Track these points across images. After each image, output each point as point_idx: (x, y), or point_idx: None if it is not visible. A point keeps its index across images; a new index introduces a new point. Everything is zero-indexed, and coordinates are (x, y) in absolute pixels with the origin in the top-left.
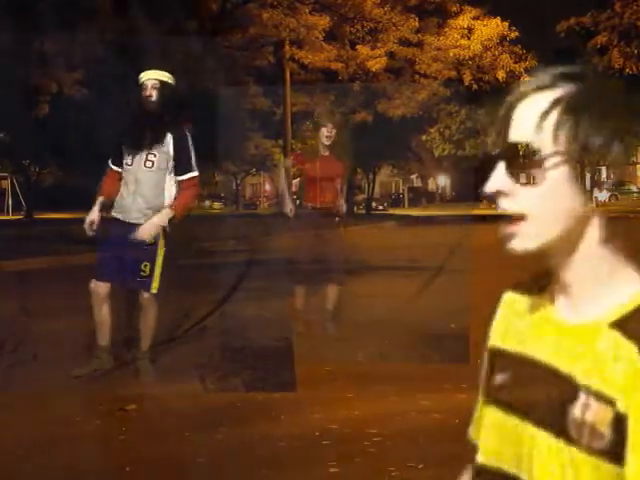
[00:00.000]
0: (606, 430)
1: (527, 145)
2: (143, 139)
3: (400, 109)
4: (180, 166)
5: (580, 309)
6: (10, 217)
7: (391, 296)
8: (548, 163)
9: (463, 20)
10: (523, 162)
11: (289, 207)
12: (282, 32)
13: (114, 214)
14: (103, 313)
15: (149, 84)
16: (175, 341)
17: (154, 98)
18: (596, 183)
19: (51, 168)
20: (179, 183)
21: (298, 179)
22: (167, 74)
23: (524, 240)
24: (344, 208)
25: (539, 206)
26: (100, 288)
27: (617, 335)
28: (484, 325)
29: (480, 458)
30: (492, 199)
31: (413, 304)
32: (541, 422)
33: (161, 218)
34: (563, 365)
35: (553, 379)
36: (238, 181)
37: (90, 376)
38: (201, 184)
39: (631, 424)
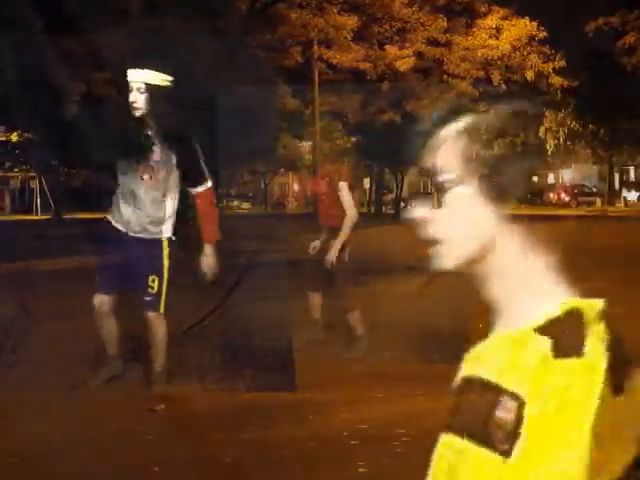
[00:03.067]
0: (509, 424)
1: (435, 169)
2: (131, 153)
3: (428, 109)
4: (192, 177)
5: (509, 321)
6: (39, 217)
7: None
8: (450, 185)
9: (491, 20)
10: (434, 187)
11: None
12: (310, 32)
13: (115, 224)
14: (109, 326)
15: (133, 87)
16: (200, 340)
17: (139, 104)
18: (624, 183)
19: (79, 168)
20: (194, 195)
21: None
22: (159, 75)
23: (443, 260)
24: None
25: (448, 228)
26: (104, 304)
27: (540, 339)
28: None
29: None
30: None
31: (441, 304)
32: (470, 434)
33: (210, 254)
34: (490, 373)
35: (485, 390)
36: (266, 181)
37: (107, 383)
38: (229, 184)
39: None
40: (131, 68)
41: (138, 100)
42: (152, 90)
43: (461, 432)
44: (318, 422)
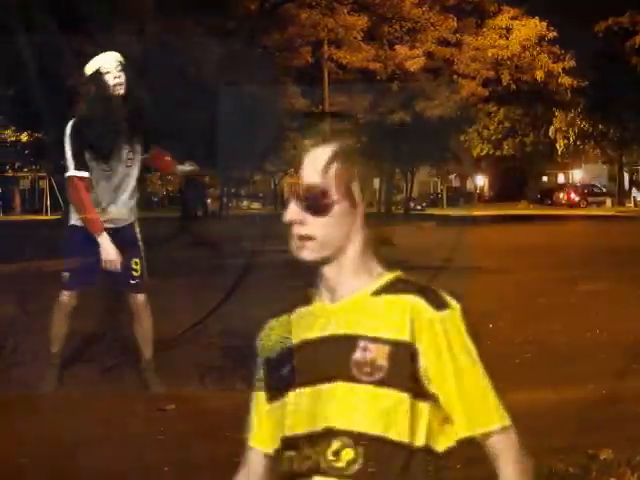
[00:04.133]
0: (384, 362)
1: (316, 186)
2: (127, 138)
3: (438, 109)
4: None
5: (340, 294)
6: (48, 217)
7: None
8: (333, 200)
9: (501, 20)
10: (313, 198)
11: None
12: (320, 32)
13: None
14: (66, 325)
15: (112, 67)
16: (210, 340)
17: (121, 80)
18: (634, 183)
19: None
20: (148, 159)
21: None
22: (118, 54)
23: (310, 253)
24: None
25: (324, 231)
26: (71, 299)
27: (386, 296)
28: (521, 325)
29: (287, 432)
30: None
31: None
32: (333, 377)
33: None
34: (340, 330)
35: (338, 342)
36: (276, 181)
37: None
38: (239, 183)
39: (434, 359)
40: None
41: (121, 76)
42: (125, 68)
43: (325, 378)
44: None
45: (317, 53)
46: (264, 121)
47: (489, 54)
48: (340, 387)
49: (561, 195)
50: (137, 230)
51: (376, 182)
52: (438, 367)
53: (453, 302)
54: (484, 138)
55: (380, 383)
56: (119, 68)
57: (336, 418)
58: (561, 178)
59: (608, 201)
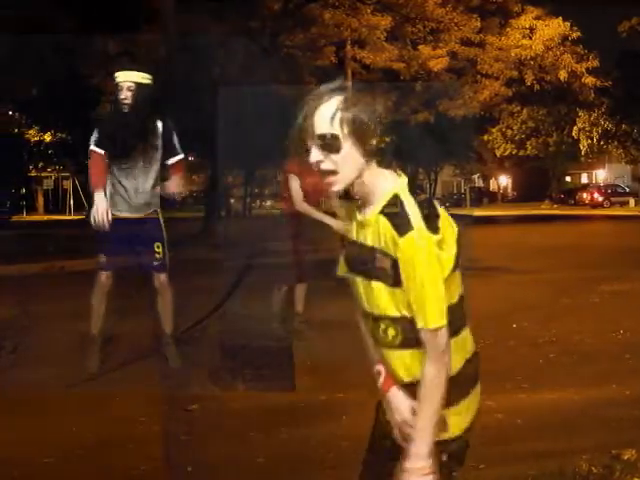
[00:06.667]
0: (389, 270)
1: (328, 133)
2: (129, 145)
3: (462, 109)
4: (166, 151)
5: (366, 210)
6: (72, 217)
7: None
8: (342, 140)
9: (525, 20)
10: (328, 142)
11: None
12: (344, 32)
13: (119, 214)
14: (104, 305)
15: (124, 86)
16: (236, 341)
17: (128, 101)
18: None
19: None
20: (167, 167)
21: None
22: (144, 74)
23: (337, 185)
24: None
25: (342, 164)
26: (108, 279)
27: (381, 218)
28: (545, 325)
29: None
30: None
31: (473, 304)
32: (359, 273)
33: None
34: (367, 241)
35: (368, 250)
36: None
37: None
38: (262, 183)
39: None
40: (121, 70)
41: (128, 97)
42: (139, 88)
43: (362, 274)
44: (352, 422)
45: (341, 53)
46: (287, 121)
47: (512, 54)
48: (374, 284)
49: (584, 195)
50: (160, 219)
51: None
52: (404, 273)
53: (415, 226)
54: (507, 138)
55: (392, 284)
56: (131, 87)
57: (373, 307)
58: (584, 178)
59: (631, 201)
